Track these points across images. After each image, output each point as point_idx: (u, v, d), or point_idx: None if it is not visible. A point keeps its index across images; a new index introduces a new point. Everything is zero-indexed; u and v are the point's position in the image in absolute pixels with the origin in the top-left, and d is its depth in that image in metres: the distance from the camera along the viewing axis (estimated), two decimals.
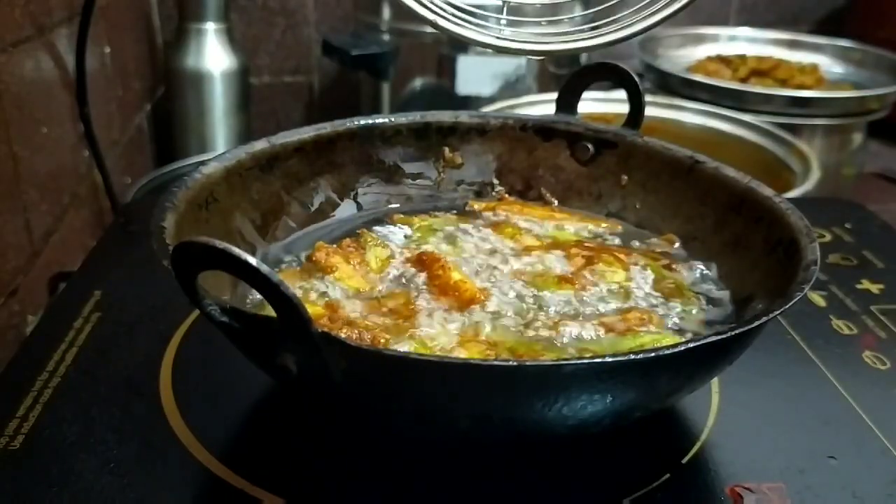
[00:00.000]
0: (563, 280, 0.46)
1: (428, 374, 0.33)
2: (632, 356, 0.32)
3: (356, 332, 0.39)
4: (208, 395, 0.45)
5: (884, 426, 0.43)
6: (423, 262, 0.47)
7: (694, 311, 0.45)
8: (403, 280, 0.46)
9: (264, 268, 0.30)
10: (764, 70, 1.20)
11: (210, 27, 1.05)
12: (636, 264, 0.48)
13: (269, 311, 0.31)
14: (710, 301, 0.46)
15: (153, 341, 0.49)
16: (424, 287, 0.45)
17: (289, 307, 0.30)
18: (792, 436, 0.43)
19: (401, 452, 0.40)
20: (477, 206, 0.57)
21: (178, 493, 0.38)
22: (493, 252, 0.50)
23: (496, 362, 0.36)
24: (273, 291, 0.30)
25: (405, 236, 0.52)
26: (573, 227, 0.54)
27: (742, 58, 1.25)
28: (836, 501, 0.38)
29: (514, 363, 0.35)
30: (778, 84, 1.15)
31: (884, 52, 1.24)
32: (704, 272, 0.48)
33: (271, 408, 0.44)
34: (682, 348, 0.33)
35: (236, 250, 0.30)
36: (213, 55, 1.05)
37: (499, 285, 0.46)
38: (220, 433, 0.42)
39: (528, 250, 0.50)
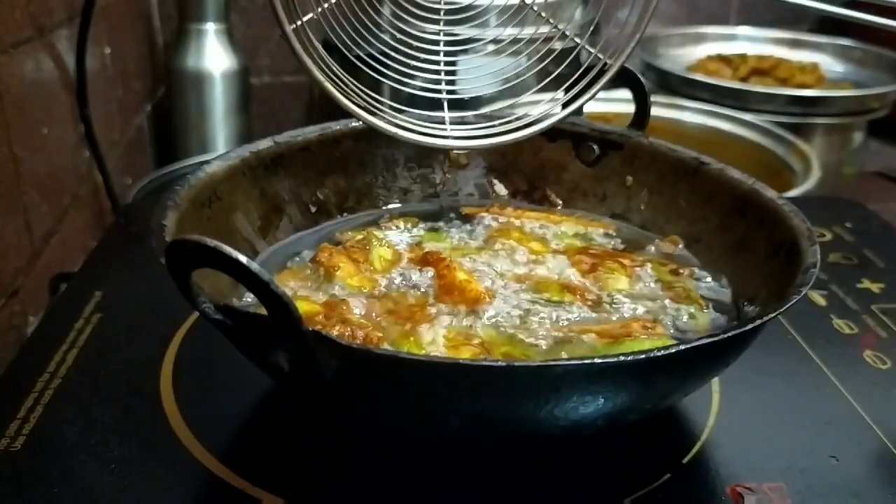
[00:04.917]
0: (565, 288, 0.46)
1: (417, 373, 0.33)
2: (622, 358, 0.32)
3: (349, 330, 0.39)
4: (208, 395, 0.45)
5: (884, 426, 0.43)
6: (428, 261, 0.47)
7: (701, 316, 0.44)
8: (407, 280, 0.46)
9: (254, 266, 0.30)
10: (764, 69, 1.20)
11: (210, 27, 1.05)
12: (642, 269, 0.48)
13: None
14: (717, 305, 0.46)
15: (154, 342, 0.49)
16: (428, 286, 0.45)
17: (279, 305, 0.30)
18: (792, 436, 0.43)
19: (401, 453, 0.40)
20: (471, 210, 0.56)
21: (178, 493, 0.38)
22: (496, 255, 0.49)
23: (485, 362, 0.36)
24: (263, 289, 0.30)
25: (410, 237, 0.52)
26: (572, 229, 0.54)
27: (742, 57, 1.25)
28: (836, 501, 0.38)
29: (503, 363, 0.35)
30: (778, 83, 1.15)
31: (884, 51, 1.24)
32: (710, 278, 0.48)
33: (271, 408, 0.44)
34: (674, 351, 0.33)
35: (227, 248, 0.30)
36: (214, 55, 1.05)
37: (501, 289, 0.45)
38: (220, 433, 0.42)
39: (532, 255, 0.49)
